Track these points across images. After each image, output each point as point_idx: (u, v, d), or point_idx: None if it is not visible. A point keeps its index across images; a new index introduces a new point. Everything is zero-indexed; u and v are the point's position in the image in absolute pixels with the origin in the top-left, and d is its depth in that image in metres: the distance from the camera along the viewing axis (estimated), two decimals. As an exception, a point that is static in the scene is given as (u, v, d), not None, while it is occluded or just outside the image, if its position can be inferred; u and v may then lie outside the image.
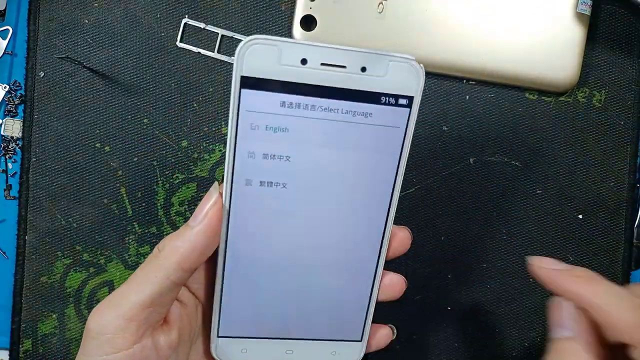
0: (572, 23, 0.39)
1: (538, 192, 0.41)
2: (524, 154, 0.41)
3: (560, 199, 0.41)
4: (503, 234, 0.41)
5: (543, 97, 0.41)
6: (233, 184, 0.28)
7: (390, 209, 0.29)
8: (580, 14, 0.39)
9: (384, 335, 0.33)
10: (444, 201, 0.41)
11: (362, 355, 0.32)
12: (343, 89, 0.27)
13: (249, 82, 0.26)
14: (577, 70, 0.40)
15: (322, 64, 0.26)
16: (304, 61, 0.26)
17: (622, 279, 0.41)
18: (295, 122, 0.27)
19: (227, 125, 0.40)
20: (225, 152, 0.28)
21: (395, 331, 0.34)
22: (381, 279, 0.31)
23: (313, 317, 0.31)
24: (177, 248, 0.27)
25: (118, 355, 0.27)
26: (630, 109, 0.41)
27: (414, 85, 0.27)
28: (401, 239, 0.31)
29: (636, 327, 0.26)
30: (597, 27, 0.41)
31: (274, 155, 0.28)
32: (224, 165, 0.28)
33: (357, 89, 0.27)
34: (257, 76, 0.26)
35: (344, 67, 0.26)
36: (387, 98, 0.27)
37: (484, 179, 0.41)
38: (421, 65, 0.27)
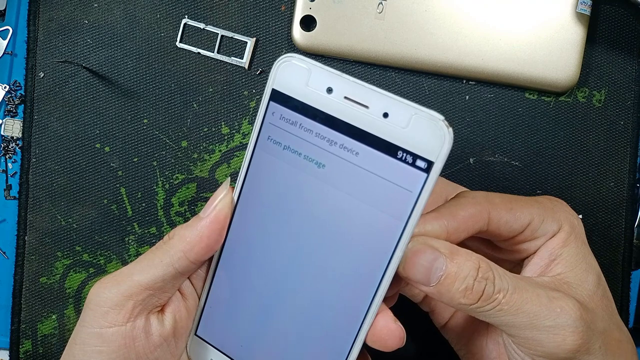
0: (572, 23, 0.39)
1: (538, 192, 0.41)
2: (524, 154, 0.41)
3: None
4: (503, 234, 0.41)
5: (543, 97, 0.41)
6: (242, 189, 0.28)
7: (384, 280, 0.26)
8: (580, 14, 0.39)
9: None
10: (444, 201, 0.41)
11: None
12: (361, 129, 0.25)
13: (277, 96, 0.27)
14: (576, 70, 0.40)
15: (346, 97, 0.25)
16: (329, 90, 0.26)
17: (622, 279, 0.41)
18: (307, 149, 0.26)
19: (226, 125, 0.40)
20: (243, 159, 0.28)
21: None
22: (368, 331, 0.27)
23: (285, 355, 0.29)
24: (185, 237, 0.28)
25: (111, 330, 0.28)
26: (630, 109, 0.41)
27: (436, 148, 0.24)
28: (385, 333, 0.27)
29: None
30: (597, 27, 0.41)
31: (282, 175, 0.27)
32: (239, 169, 0.28)
33: (375, 134, 0.25)
34: (284, 92, 0.26)
35: (366, 107, 0.25)
36: (404, 154, 0.25)
37: (484, 179, 0.41)
38: (450, 128, 0.24)
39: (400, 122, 0.25)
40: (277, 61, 0.26)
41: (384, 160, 0.25)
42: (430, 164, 0.24)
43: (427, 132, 0.24)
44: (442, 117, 0.24)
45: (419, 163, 0.24)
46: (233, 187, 0.29)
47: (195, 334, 0.31)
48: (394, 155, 0.25)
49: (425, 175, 0.24)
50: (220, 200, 0.28)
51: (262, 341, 0.29)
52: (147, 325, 0.28)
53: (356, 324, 0.27)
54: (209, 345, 0.30)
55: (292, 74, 0.26)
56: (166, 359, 0.29)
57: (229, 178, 0.29)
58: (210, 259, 0.30)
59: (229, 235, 0.29)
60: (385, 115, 0.25)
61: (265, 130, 0.27)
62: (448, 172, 0.40)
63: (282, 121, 0.27)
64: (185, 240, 0.28)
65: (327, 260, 0.27)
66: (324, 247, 0.27)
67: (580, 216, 0.41)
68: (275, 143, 0.27)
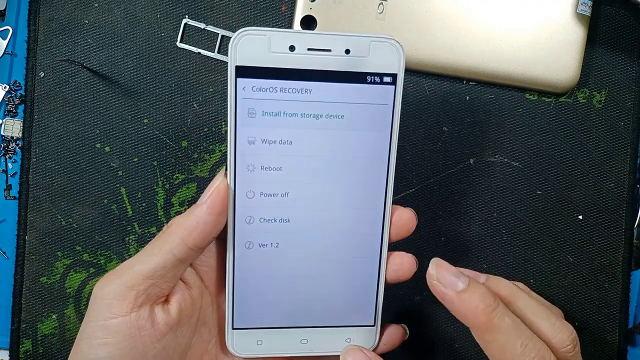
0: (572, 23, 0.39)
1: (538, 192, 0.41)
2: (524, 155, 0.41)
3: (560, 200, 0.41)
4: (503, 235, 0.41)
5: (543, 98, 0.41)
6: (236, 171, 0.29)
7: (388, 187, 0.30)
8: (580, 15, 0.39)
9: (398, 335, 0.33)
10: (444, 201, 0.41)
11: (377, 341, 0.32)
12: (330, 71, 0.28)
13: (243, 71, 0.28)
14: (577, 71, 0.40)
15: (309, 49, 0.28)
16: (292, 48, 0.28)
17: (622, 279, 0.41)
18: (289, 106, 0.29)
19: (226, 125, 0.40)
20: (227, 141, 0.29)
21: (407, 331, 0.34)
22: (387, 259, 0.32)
23: (325, 304, 0.32)
24: (182, 224, 0.28)
25: (115, 321, 0.28)
26: (630, 110, 0.41)
27: (395, 63, 0.29)
28: (405, 219, 0.31)
29: None
30: (597, 28, 0.41)
31: (273, 140, 0.29)
32: (227, 154, 0.29)
33: (344, 70, 0.29)
34: (250, 65, 0.28)
35: (329, 50, 0.28)
36: (372, 77, 0.29)
37: (484, 179, 0.41)
38: (400, 43, 0.29)
39: (361, 53, 0.28)
40: (233, 39, 0.28)
41: (359, 89, 0.29)
42: (394, 76, 0.29)
43: (385, 52, 0.29)
44: (392, 37, 0.29)
45: (386, 79, 0.29)
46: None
47: (233, 328, 0.31)
48: (365, 81, 0.29)
49: (393, 87, 0.29)
50: (216, 187, 0.29)
51: (299, 301, 0.31)
52: (152, 314, 0.28)
53: (376, 246, 0.31)
54: (253, 330, 0.31)
55: (252, 46, 0.28)
56: (173, 347, 0.29)
57: (224, 167, 0.30)
58: (219, 243, 0.30)
59: (235, 219, 0.30)
60: (347, 51, 0.28)
61: (242, 106, 0.28)
62: (448, 172, 0.41)
63: (255, 92, 0.28)
64: (183, 227, 0.28)
65: (341, 186, 0.30)
66: (330, 187, 0.30)
67: (581, 217, 0.41)
68: (255, 115, 0.28)
